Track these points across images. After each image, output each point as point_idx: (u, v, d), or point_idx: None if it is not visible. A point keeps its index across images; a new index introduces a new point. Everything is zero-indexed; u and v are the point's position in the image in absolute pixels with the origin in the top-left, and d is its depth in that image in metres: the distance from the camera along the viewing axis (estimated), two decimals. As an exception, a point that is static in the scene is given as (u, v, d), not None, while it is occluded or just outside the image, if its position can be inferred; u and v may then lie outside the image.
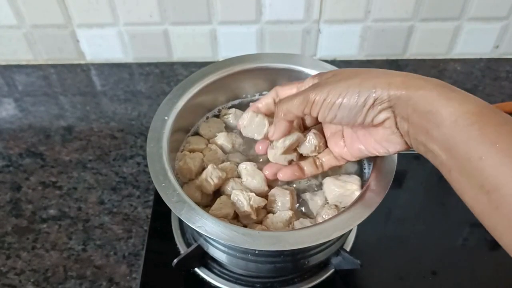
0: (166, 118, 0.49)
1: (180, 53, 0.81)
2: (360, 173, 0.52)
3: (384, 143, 0.40)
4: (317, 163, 0.46)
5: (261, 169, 0.49)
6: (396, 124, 0.37)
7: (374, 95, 0.36)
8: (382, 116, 0.37)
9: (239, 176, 0.50)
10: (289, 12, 0.74)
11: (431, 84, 0.34)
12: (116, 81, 0.79)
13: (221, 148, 0.52)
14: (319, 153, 0.47)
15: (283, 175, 0.46)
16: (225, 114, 0.56)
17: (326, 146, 0.47)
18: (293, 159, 0.47)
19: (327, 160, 0.46)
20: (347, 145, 0.44)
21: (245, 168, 0.49)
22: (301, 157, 0.47)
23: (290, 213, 0.46)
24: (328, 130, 0.47)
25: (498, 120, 0.31)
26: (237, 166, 0.51)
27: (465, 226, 0.60)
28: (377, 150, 0.41)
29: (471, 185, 0.31)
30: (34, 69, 0.81)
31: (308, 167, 0.46)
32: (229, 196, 0.47)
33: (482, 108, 0.32)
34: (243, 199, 0.46)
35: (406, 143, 0.38)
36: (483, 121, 0.31)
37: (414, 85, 0.35)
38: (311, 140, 0.46)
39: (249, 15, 0.74)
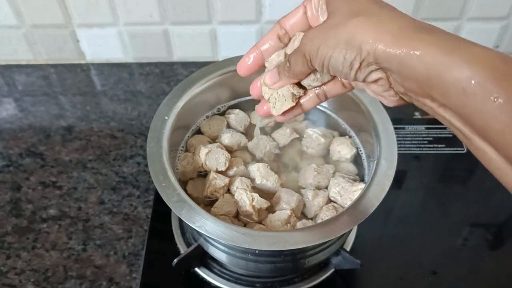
0: (166, 118, 0.50)
1: (180, 53, 0.81)
2: (360, 172, 0.52)
3: (379, 97, 0.36)
4: (319, 92, 0.40)
5: (271, 169, 0.50)
6: (390, 84, 0.33)
7: (359, 57, 0.31)
8: (374, 76, 0.33)
9: (246, 176, 0.50)
10: (289, 12, 0.74)
11: (427, 41, 0.29)
12: (116, 81, 0.79)
13: (227, 148, 0.53)
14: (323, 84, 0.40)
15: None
16: (229, 113, 0.56)
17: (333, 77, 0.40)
18: (301, 94, 0.41)
19: (331, 89, 0.40)
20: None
21: (258, 169, 0.50)
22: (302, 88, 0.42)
23: (288, 212, 0.46)
24: None
25: None
26: (242, 163, 0.51)
27: (465, 226, 0.59)
28: (377, 97, 0.37)
29: (498, 157, 0.28)
30: (34, 69, 0.81)
31: (307, 101, 0.41)
32: (233, 194, 0.48)
33: (494, 67, 0.27)
34: (246, 198, 0.46)
35: (404, 99, 0.34)
36: (498, 85, 0.26)
37: (407, 43, 0.29)
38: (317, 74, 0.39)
39: (249, 15, 0.74)
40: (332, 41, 0.33)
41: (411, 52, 0.29)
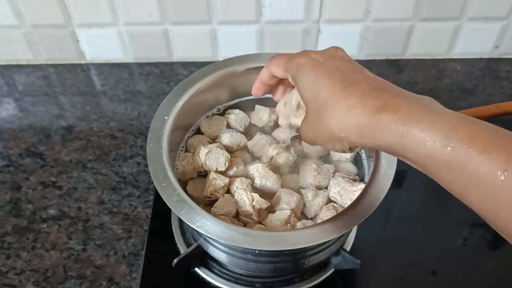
0: (166, 118, 0.50)
1: (180, 53, 0.81)
2: (360, 172, 0.52)
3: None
4: None
5: (271, 169, 0.50)
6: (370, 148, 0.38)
7: (346, 144, 0.36)
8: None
9: (246, 176, 0.50)
10: (289, 12, 0.74)
11: (385, 126, 0.32)
12: (116, 81, 0.79)
13: (227, 148, 0.53)
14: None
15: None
16: (228, 113, 0.56)
17: None
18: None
19: None
20: None
21: (257, 170, 0.50)
22: None
23: (288, 212, 0.46)
24: None
25: (468, 138, 0.29)
26: (242, 163, 0.51)
27: (465, 226, 0.59)
28: None
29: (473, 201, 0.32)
30: (34, 69, 0.81)
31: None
32: (233, 194, 0.48)
33: (445, 142, 0.29)
34: (245, 198, 0.46)
35: None
36: (445, 161, 0.30)
37: (368, 133, 0.33)
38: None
39: (249, 15, 0.75)
40: (320, 140, 0.39)
41: (374, 141, 0.34)
